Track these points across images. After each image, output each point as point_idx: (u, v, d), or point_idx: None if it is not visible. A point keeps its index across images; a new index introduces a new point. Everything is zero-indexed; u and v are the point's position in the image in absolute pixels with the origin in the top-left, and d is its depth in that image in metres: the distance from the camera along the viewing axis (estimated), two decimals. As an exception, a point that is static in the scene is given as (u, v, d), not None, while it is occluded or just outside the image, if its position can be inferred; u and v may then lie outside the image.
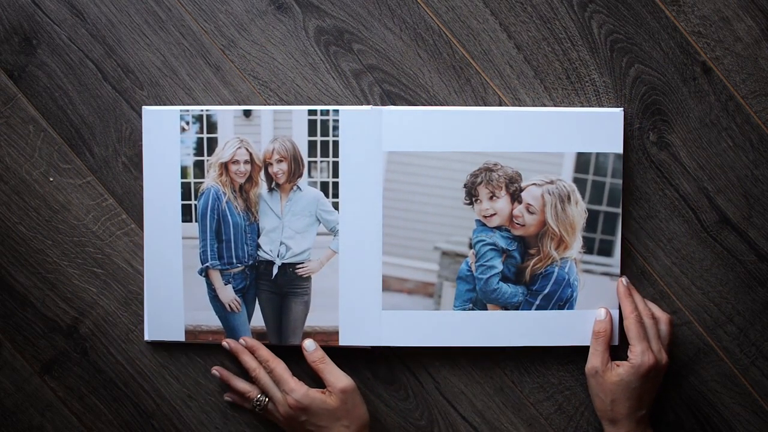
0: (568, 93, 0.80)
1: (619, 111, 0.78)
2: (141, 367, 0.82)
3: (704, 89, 0.80)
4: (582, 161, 0.78)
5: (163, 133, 0.79)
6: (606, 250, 0.79)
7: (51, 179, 0.81)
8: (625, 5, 0.79)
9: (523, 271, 0.79)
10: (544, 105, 0.80)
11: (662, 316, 0.78)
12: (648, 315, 0.77)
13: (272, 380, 0.77)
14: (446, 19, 0.80)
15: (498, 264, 0.79)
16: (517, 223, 0.79)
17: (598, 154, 0.78)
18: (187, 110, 0.79)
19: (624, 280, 0.79)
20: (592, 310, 0.79)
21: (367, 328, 0.80)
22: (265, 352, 0.78)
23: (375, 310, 0.79)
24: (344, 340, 0.80)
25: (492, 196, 0.78)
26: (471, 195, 0.79)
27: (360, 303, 0.79)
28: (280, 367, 0.77)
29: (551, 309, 0.79)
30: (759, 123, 0.80)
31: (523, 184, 0.78)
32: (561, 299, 0.79)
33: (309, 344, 0.78)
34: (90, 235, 0.81)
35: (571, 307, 0.79)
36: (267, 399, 0.78)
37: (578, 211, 0.78)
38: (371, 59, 0.80)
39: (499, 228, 0.79)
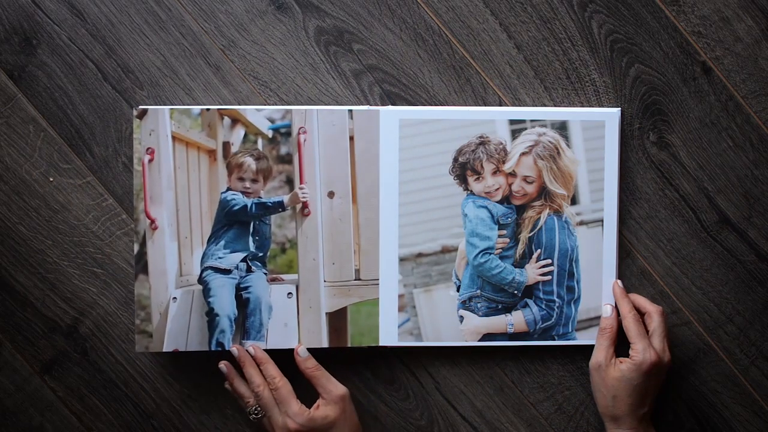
0: (568, 93, 0.80)
1: (616, 111, 0.78)
2: (141, 368, 0.82)
3: (704, 89, 0.80)
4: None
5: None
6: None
7: (51, 179, 0.81)
8: (625, 5, 0.79)
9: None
10: (544, 105, 0.80)
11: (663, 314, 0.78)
12: (659, 312, 0.76)
13: (275, 399, 0.74)
14: (446, 19, 0.80)
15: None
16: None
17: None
18: (187, 109, 0.79)
19: (619, 282, 0.79)
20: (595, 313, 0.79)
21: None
22: (272, 369, 0.75)
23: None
24: (344, 340, 0.80)
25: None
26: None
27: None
28: (285, 388, 0.74)
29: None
30: (759, 123, 0.80)
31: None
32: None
33: (302, 351, 0.76)
34: (90, 235, 0.81)
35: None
36: (263, 414, 0.76)
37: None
38: (371, 59, 0.80)
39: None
